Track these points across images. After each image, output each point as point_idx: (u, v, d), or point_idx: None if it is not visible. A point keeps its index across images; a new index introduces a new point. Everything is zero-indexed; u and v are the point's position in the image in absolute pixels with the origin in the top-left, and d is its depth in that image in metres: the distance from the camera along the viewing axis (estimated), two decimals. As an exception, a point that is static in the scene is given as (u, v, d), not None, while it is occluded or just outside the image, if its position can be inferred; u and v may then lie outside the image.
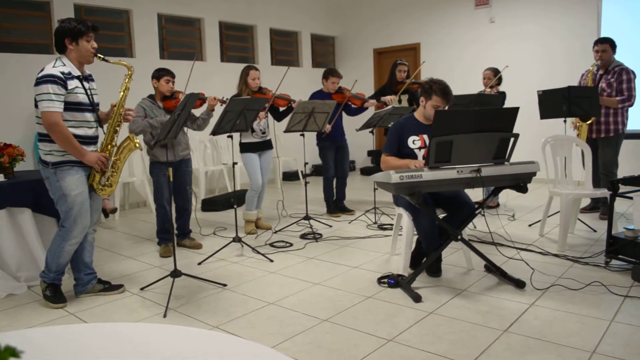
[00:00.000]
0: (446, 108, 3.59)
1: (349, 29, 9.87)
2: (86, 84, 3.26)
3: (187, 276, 3.66)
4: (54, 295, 3.35)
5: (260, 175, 5.06)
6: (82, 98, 3.21)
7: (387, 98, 5.77)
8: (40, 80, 3.08)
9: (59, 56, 3.23)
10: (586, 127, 5.09)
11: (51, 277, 3.37)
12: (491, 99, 5.37)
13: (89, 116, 3.27)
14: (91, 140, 3.32)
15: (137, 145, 3.37)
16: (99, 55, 3.26)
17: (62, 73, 3.11)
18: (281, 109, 5.24)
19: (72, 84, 3.16)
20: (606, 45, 5.04)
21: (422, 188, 3.14)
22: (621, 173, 4.86)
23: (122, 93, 3.36)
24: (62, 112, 3.11)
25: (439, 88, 3.51)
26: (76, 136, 3.18)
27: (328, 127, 5.46)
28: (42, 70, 3.13)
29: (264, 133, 5.07)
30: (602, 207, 5.19)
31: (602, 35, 5.88)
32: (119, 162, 3.38)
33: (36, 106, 3.13)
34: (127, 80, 3.38)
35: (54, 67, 3.13)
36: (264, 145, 5.12)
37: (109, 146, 3.35)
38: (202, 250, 4.53)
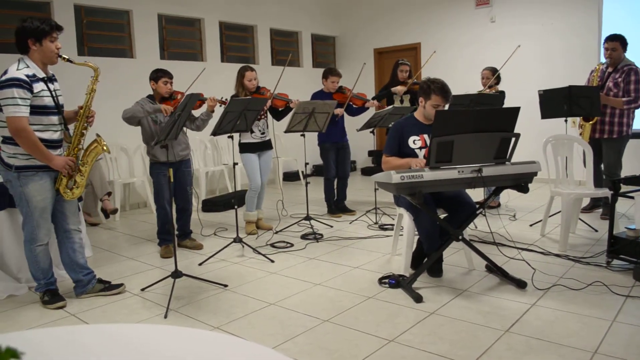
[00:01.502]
0: (446, 107, 3.59)
1: (349, 28, 9.87)
2: (51, 86, 3.18)
3: (188, 277, 3.66)
4: (51, 297, 3.35)
5: (259, 175, 5.06)
6: (48, 101, 3.13)
7: (397, 89, 5.77)
8: (4, 84, 2.96)
9: (22, 57, 3.11)
10: (589, 127, 5.06)
11: (43, 285, 3.36)
12: (491, 98, 5.36)
13: (55, 119, 3.19)
14: (57, 143, 3.24)
15: (105, 148, 3.32)
16: (63, 56, 3.17)
17: (27, 76, 3.01)
18: (280, 108, 5.24)
19: (38, 86, 3.06)
20: (616, 43, 4.90)
21: (423, 188, 3.13)
22: (623, 173, 4.85)
23: (88, 95, 3.29)
24: (28, 117, 3.01)
25: (437, 87, 3.52)
26: (42, 140, 3.09)
27: (340, 110, 5.47)
28: (5, 72, 3.02)
29: (263, 133, 5.06)
30: (604, 208, 5.18)
31: (602, 35, 5.85)
32: (86, 165, 3.32)
33: (0, 110, 3.04)
34: (93, 82, 3.30)
35: (17, 69, 3.02)
36: (264, 146, 5.11)
37: (76, 149, 3.28)
38: (202, 251, 4.53)
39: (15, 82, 2.96)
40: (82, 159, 3.32)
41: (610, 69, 5.03)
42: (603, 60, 5.15)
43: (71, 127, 3.37)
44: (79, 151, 3.31)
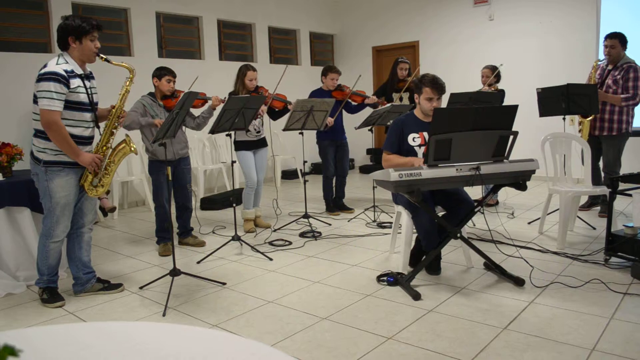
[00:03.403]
0: (440, 99, 3.60)
1: (348, 27, 9.87)
2: (87, 83, 3.23)
3: (186, 275, 3.65)
4: (50, 296, 3.35)
5: (255, 173, 5.06)
6: (83, 97, 3.18)
7: (381, 103, 5.74)
8: (43, 77, 3.02)
9: (62, 53, 3.17)
10: (588, 123, 5.07)
11: (45, 281, 3.36)
12: (490, 96, 5.37)
13: (88, 116, 3.24)
14: (87, 140, 3.28)
15: (133, 149, 3.34)
16: (101, 55, 3.22)
17: (66, 71, 3.06)
18: (277, 109, 5.23)
19: (75, 82, 3.12)
20: (615, 41, 4.93)
21: (421, 186, 3.13)
22: (622, 171, 4.85)
23: (121, 95, 3.33)
24: (61, 111, 3.06)
25: (427, 80, 3.55)
26: (72, 135, 3.14)
27: (330, 120, 5.45)
28: (44, 66, 3.08)
29: (258, 132, 5.06)
30: (602, 205, 5.19)
31: (601, 32, 5.87)
32: (112, 164, 3.34)
33: (35, 102, 3.09)
34: (127, 83, 3.34)
35: (57, 64, 3.07)
36: (259, 144, 5.11)
37: (104, 148, 3.31)
38: (201, 249, 4.53)
39: (53, 76, 3.01)
40: (110, 157, 3.34)
41: (610, 67, 5.05)
42: (601, 57, 5.16)
43: (102, 125, 3.40)
44: (107, 149, 3.33)
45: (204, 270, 3.92)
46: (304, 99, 4.95)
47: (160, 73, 4.39)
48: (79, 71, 3.17)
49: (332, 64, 9.78)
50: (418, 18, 8.81)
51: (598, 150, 5.07)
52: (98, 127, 3.37)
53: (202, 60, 7.66)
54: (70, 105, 3.11)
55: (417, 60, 8.69)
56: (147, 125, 4.24)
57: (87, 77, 3.25)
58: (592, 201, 5.42)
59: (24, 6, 5.96)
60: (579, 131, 5.17)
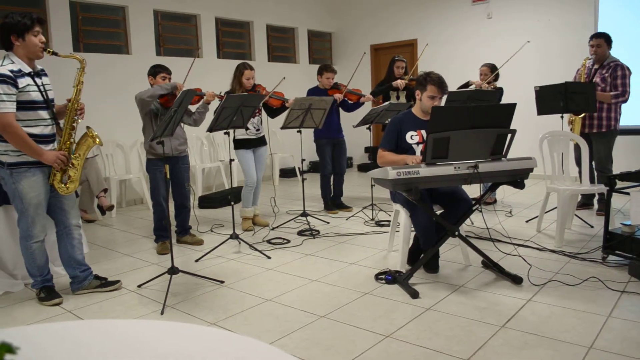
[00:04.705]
0: (442, 99, 3.61)
1: (346, 25, 9.86)
2: (38, 80, 3.15)
3: (185, 273, 3.65)
4: (47, 294, 3.34)
5: (254, 171, 5.06)
6: (35, 95, 3.11)
7: (398, 82, 5.76)
8: None
9: (7, 53, 3.10)
10: (579, 120, 5.11)
11: (39, 282, 3.35)
12: (488, 95, 5.36)
13: (44, 114, 3.17)
14: (48, 138, 3.21)
15: (98, 141, 3.31)
16: (48, 49, 3.15)
17: (12, 71, 2.99)
18: (274, 107, 5.23)
19: (23, 81, 3.04)
20: (601, 40, 5.06)
21: (419, 184, 3.14)
22: (617, 169, 4.86)
23: (75, 88, 3.27)
24: (14, 113, 2.99)
25: (433, 78, 3.55)
26: (33, 135, 3.08)
27: (339, 96, 5.47)
28: None
29: (257, 130, 5.06)
30: (599, 204, 5.20)
31: (599, 31, 5.91)
32: (78, 158, 3.30)
33: None
34: (80, 74, 3.27)
35: (1, 65, 3.01)
36: (258, 142, 5.11)
37: (68, 143, 3.26)
38: (199, 247, 4.52)
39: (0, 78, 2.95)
40: (75, 152, 3.30)
41: (596, 66, 5.16)
42: (589, 55, 5.23)
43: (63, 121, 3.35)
44: (71, 144, 3.29)
45: (202, 269, 3.92)
46: (302, 97, 4.95)
47: (155, 71, 4.37)
48: (27, 69, 3.10)
49: (330, 62, 9.78)
50: (416, 16, 8.80)
51: (590, 149, 5.09)
52: (58, 124, 3.31)
53: (200, 59, 7.64)
54: (23, 105, 3.04)
55: (416, 58, 8.68)
56: (171, 88, 4.23)
57: (38, 74, 3.18)
58: (584, 202, 5.41)
59: (20, 4, 5.92)
60: (570, 130, 5.19)
